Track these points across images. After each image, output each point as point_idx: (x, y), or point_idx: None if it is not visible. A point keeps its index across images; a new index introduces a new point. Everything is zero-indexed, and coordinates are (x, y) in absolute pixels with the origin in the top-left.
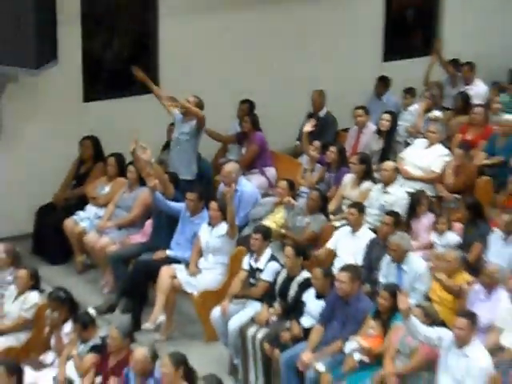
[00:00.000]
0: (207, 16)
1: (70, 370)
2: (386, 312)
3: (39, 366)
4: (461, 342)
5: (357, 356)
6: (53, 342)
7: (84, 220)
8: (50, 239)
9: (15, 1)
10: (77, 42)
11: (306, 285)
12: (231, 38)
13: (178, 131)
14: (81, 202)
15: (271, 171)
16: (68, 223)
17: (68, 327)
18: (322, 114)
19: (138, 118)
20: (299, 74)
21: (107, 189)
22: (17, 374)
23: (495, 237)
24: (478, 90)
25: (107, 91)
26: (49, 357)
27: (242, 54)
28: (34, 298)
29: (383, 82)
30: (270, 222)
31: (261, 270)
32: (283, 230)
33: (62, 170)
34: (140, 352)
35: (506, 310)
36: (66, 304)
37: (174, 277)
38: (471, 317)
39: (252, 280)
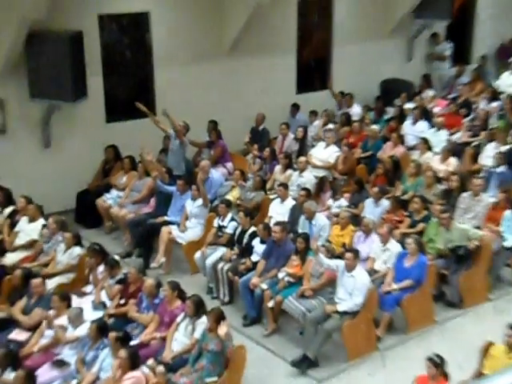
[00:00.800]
0: (185, 67)
1: (103, 296)
2: (303, 250)
3: (82, 294)
4: (349, 268)
5: (286, 278)
6: (91, 278)
7: (109, 199)
8: (87, 212)
9: (59, 57)
10: (100, 83)
11: (253, 235)
12: (202, 81)
13: (172, 143)
14: (107, 188)
15: (230, 165)
16: (99, 201)
17: (101, 268)
18: (260, 128)
19: (143, 132)
20: (245, 103)
21: (124, 179)
22: (67, 300)
23: (369, 201)
24: (356, 110)
25: (121, 116)
26: (88, 288)
27: (208, 91)
28: (77, 251)
29: (296, 107)
30: (230, 197)
31: (225, 227)
32: (238, 202)
33: (93, 167)
34: (149, 282)
35: (377, 247)
36: (99, 253)
37: (170, 233)
38: (355, 252)
39: (220, 233)
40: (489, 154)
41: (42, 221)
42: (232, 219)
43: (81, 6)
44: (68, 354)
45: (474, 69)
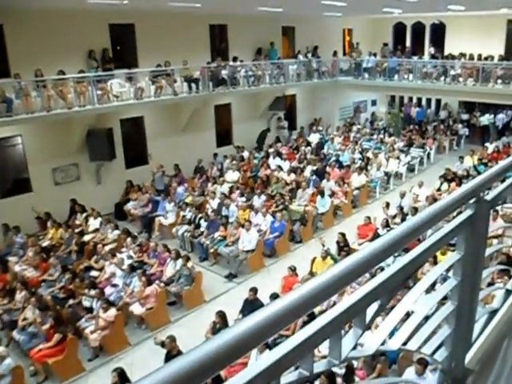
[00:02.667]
0: (163, 139)
1: (131, 253)
2: (226, 224)
3: (121, 252)
4: (247, 229)
5: (218, 237)
6: (124, 244)
7: (129, 206)
8: (119, 213)
9: (102, 140)
10: (121, 151)
11: (200, 218)
12: (171, 145)
13: (157, 175)
14: (128, 200)
15: (186, 184)
16: (125, 207)
17: (128, 239)
18: (200, 165)
19: (143, 173)
20: (192, 154)
21: (135, 195)
22: (115, 255)
23: (256, 197)
24: (245, 154)
25: (132, 165)
26: (124, 249)
27: (174, 149)
28: (116, 232)
29: (215, 154)
30: (187, 200)
31: (186, 215)
32: (191, 202)
33: (120, 191)
34: (152, 244)
35: (262, 219)
36: (127, 232)
37: (160, 220)
38: (250, 222)
39: (183, 218)
40: (308, 171)
41: (99, 219)
42: (189, 211)
43: (112, 116)
44: (118, 281)
45: (298, 132)
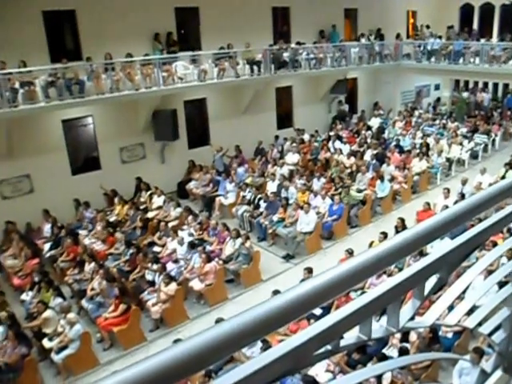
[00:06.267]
0: (224, 121)
1: (191, 230)
2: (285, 206)
3: (182, 230)
4: (306, 211)
5: (276, 219)
6: (185, 222)
7: (191, 185)
8: (182, 191)
9: (167, 121)
10: (184, 131)
11: (260, 199)
12: (233, 126)
13: (216, 156)
14: (190, 179)
15: (246, 165)
16: (187, 186)
17: (190, 217)
18: (260, 147)
19: (205, 153)
20: (252, 135)
21: (197, 175)
22: (176, 232)
23: (315, 179)
24: (306, 136)
25: (195, 146)
26: (185, 227)
27: (236, 131)
28: (179, 209)
29: (276, 136)
30: (247, 181)
31: (245, 196)
32: (251, 183)
33: (183, 170)
34: (213, 222)
35: (320, 201)
36: (188, 210)
37: (220, 200)
38: (309, 204)
39: (243, 199)
40: (368, 155)
41: (163, 197)
42: (249, 192)
43: (177, 97)
44: (179, 257)
45: (358, 116)
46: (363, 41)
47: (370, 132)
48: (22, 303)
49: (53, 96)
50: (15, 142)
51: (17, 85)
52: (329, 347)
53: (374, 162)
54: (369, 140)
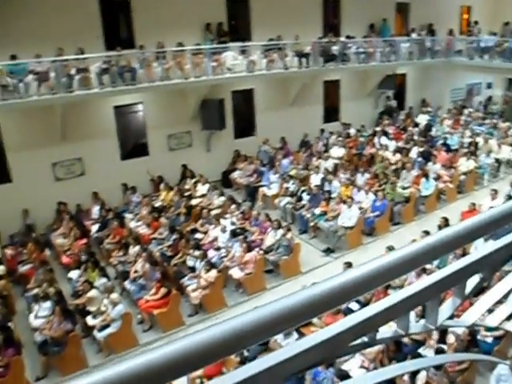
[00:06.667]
0: (271, 112)
1: (234, 219)
2: (328, 199)
3: (224, 219)
4: (348, 206)
5: (318, 212)
6: (228, 211)
7: (235, 174)
8: (226, 180)
9: (214, 110)
10: (231, 121)
11: (303, 191)
12: (280, 118)
13: (261, 148)
14: (234, 169)
15: (291, 157)
16: (231, 176)
17: (233, 206)
18: (306, 139)
19: (250, 144)
20: (298, 128)
21: (242, 165)
22: (219, 220)
23: (359, 174)
24: (352, 130)
25: (239, 134)
26: (227, 215)
27: (282, 122)
28: (222, 199)
29: (322, 130)
30: (291, 173)
31: (289, 187)
32: (295, 175)
33: (228, 160)
34: (254, 212)
35: (364, 196)
36: (231, 199)
37: (263, 191)
38: (352, 199)
39: (287, 190)
40: (414, 152)
41: (207, 185)
42: (292, 183)
43: (225, 87)
44: (220, 245)
45: (406, 112)
46: (414, 36)
47: (417, 129)
48: (69, 281)
49: (106, 83)
50: (69, 127)
51: (73, 71)
52: (365, 339)
53: (420, 159)
54: (415, 137)
